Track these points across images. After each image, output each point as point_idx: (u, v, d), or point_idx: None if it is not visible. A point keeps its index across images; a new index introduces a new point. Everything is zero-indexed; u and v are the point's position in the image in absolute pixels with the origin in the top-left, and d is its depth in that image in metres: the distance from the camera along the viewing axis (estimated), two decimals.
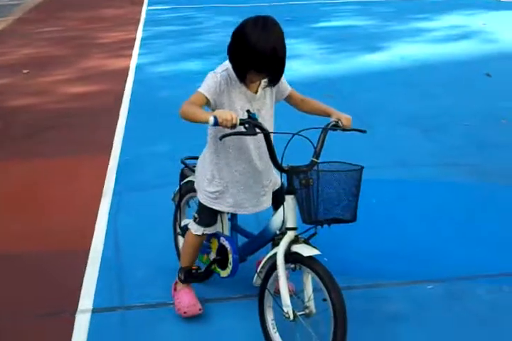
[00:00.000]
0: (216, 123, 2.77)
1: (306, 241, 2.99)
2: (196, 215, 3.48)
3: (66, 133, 7.14)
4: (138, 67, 10.33)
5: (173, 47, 11.93)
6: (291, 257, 2.98)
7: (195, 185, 3.50)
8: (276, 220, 3.17)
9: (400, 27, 13.24)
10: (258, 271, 3.17)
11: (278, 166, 3.00)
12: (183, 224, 3.95)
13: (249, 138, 3.09)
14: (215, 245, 3.64)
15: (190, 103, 3.00)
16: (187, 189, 3.77)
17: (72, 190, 5.52)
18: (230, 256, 3.49)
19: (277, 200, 3.40)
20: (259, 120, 3.00)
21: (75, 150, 6.51)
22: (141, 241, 4.50)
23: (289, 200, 3.01)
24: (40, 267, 4.24)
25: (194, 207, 3.76)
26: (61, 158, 6.29)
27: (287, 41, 2.98)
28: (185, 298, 3.58)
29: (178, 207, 3.98)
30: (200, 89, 3.07)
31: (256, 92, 3.15)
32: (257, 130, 2.87)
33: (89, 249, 4.42)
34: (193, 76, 9.62)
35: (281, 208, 3.08)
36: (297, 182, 2.92)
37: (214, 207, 3.37)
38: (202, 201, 3.41)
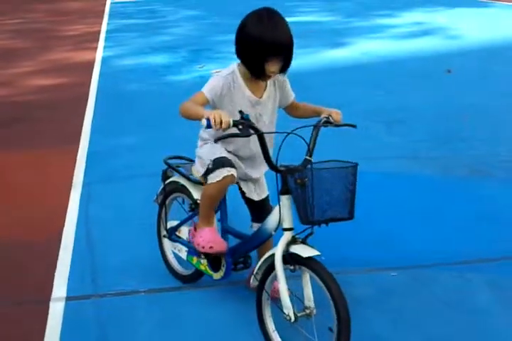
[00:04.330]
0: (209, 126, 2.75)
1: (304, 242, 2.93)
2: (209, 165, 3.21)
3: (33, 125, 7.15)
4: (104, 60, 10.35)
5: (139, 40, 11.96)
6: (290, 258, 2.90)
7: (195, 170, 3.39)
8: (272, 220, 3.08)
9: (364, 23, 13.44)
10: (254, 272, 3.10)
11: (272, 166, 2.93)
12: (169, 226, 3.83)
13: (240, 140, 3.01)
14: None
15: (190, 101, 3.02)
16: (171, 188, 3.69)
17: (41, 181, 5.55)
18: (223, 259, 3.43)
19: (258, 213, 3.48)
20: (261, 125, 3.05)
21: (42, 142, 6.54)
22: (112, 231, 4.56)
23: (285, 200, 2.93)
24: (13, 256, 4.28)
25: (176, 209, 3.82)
26: (29, 150, 6.31)
27: None
28: (210, 235, 3.35)
29: (162, 207, 3.85)
30: (202, 89, 3.11)
31: (261, 97, 3.20)
32: (251, 131, 2.83)
33: (61, 239, 4.47)
34: (158, 69, 9.71)
35: (276, 208, 3.00)
36: (292, 181, 2.83)
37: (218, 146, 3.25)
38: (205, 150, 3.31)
